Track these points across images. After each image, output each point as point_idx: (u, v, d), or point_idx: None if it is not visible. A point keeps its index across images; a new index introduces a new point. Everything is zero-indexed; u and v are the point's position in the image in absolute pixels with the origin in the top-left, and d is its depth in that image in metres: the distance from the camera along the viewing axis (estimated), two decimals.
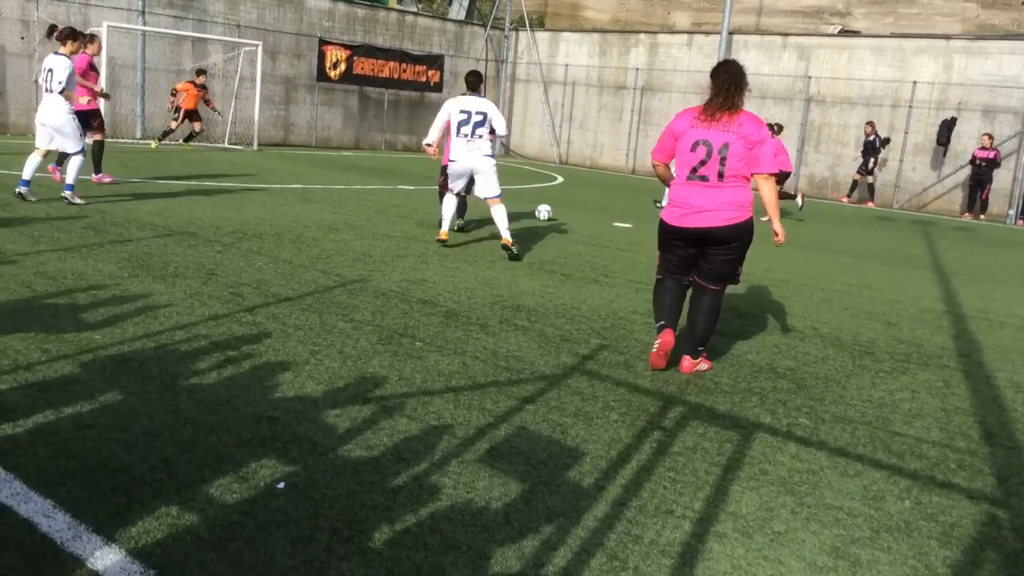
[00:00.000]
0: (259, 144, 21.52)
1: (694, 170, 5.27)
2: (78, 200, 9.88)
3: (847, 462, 4.16)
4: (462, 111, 8.92)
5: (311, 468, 3.52)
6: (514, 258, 8.94)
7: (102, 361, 4.60)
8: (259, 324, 5.62)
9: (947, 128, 20.76)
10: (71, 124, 9.85)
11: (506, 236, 9.10)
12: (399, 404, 4.38)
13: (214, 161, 17.16)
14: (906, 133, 21.56)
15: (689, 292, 5.65)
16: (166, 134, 19.03)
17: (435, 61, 26.85)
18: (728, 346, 6.19)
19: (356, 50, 24.56)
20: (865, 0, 25.38)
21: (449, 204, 9.36)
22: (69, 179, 9.87)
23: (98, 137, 11.89)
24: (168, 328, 5.33)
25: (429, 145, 9.18)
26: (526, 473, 3.68)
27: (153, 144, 18.85)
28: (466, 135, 8.90)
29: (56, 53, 10.02)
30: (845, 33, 23.64)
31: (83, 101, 11.05)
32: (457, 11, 29.71)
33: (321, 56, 23.77)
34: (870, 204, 21.70)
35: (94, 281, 6.35)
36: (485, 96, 9.40)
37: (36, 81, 10.35)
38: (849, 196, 22.04)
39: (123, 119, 20.14)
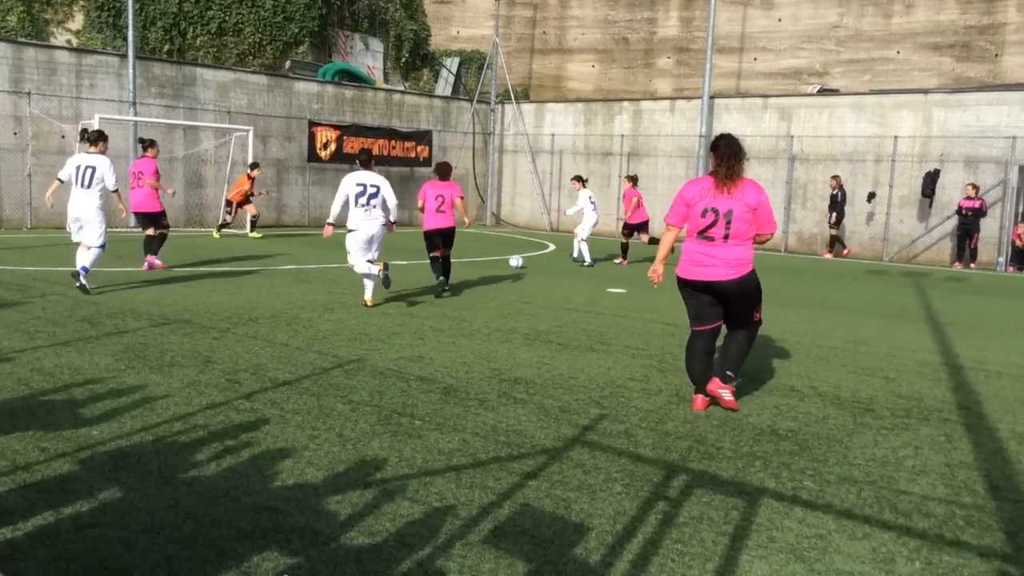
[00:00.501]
0: (251, 228, 21.66)
1: (702, 232, 6.06)
2: (87, 284, 10.22)
3: (854, 524, 4.13)
4: (358, 184, 10.02)
5: (314, 559, 3.48)
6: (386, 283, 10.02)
7: (100, 457, 4.57)
8: (257, 411, 5.60)
9: (931, 180, 21.01)
10: (98, 217, 10.52)
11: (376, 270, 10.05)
12: (400, 486, 4.35)
13: (208, 246, 17.27)
14: (891, 187, 21.82)
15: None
16: (223, 226, 19.69)
17: (423, 137, 27.24)
18: (728, 409, 6.18)
19: (346, 130, 24.92)
20: (842, 59, 25.91)
21: (364, 279, 10.27)
22: (88, 264, 10.41)
23: (164, 231, 13.16)
24: (166, 420, 5.32)
25: (331, 224, 10.19)
26: (532, 552, 3.65)
27: (216, 234, 19.36)
28: (363, 205, 9.94)
29: (89, 152, 10.78)
30: (824, 92, 24.08)
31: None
32: (443, 87, 30.26)
33: (311, 137, 24.11)
34: (845, 252, 22.08)
35: (91, 375, 6.34)
36: (373, 172, 10.47)
37: (60, 179, 10.99)
38: (831, 251, 22.28)
39: (117, 208, 20.27)
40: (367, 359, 7.30)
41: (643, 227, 18.01)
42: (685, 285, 6.27)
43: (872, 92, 23.01)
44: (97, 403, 5.61)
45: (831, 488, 4.63)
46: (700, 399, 6.21)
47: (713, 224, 5.99)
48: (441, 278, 11.41)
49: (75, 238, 10.74)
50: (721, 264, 5.99)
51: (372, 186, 10.03)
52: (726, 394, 6.12)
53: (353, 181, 10.06)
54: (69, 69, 19.88)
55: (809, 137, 23.12)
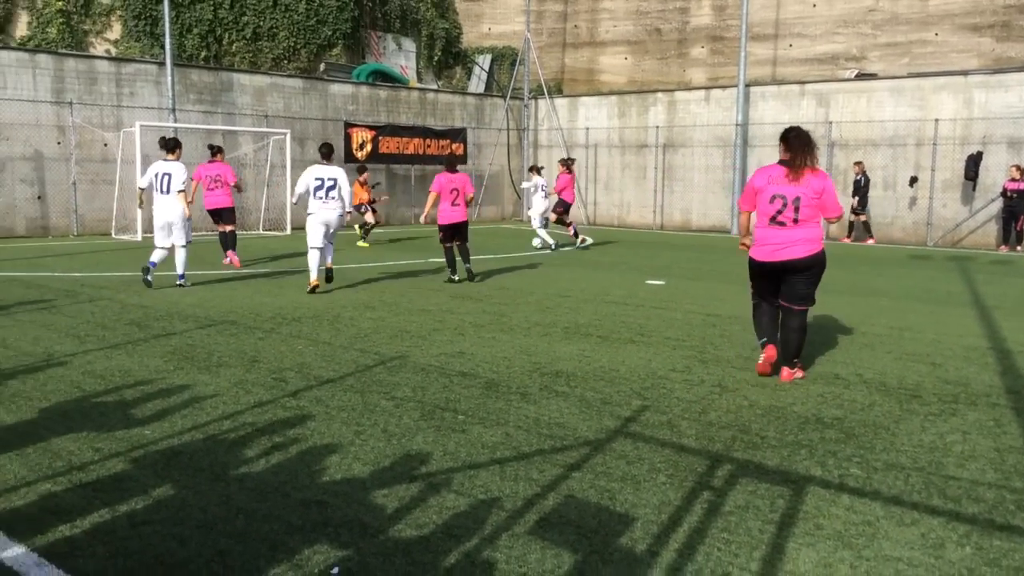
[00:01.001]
0: (292, 228, 21.92)
1: (773, 218, 6.62)
2: (186, 284, 11.41)
3: (903, 511, 4.10)
4: (317, 178, 11.12)
5: (363, 551, 3.54)
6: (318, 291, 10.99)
7: (153, 456, 4.68)
8: (303, 408, 5.69)
9: (973, 163, 20.66)
10: (183, 220, 11.37)
11: (328, 262, 11.40)
12: (446, 480, 4.39)
13: (250, 248, 17.49)
14: (933, 170, 21.49)
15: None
16: (369, 230, 19.23)
17: (458, 134, 27.33)
18: (772, 398, 6.15)
19: (381, 130, 25.09)
20: (879, 43, 25.55)
21: (312, 257, 11.27)
22: (180, 270, 11.41)
23: (232, 228, 14.58)
24: (215, 418, 5.42)
25: (295, 203, 11.82)
26: (577, 543, 3.67)
27: (362, 243, 18.80)
28: (321, 197, 11.07)
29: (166, 160, 11.63)
30: (862, 77, 23.76)
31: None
32: (476, 85, 30.34)
33: (347, 138, 24.31)
34: (871, 242, 21.81)
35: (141, 376, 6.47)
36: (333, 165, 11.54)
37: (141, 187, 12.34)
38: (849, 236, 22.18)
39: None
40: (409, 356, 7.37)
41: (565, 207, 18.15)
42: (760, 267, 6.81)
43: (911, 75, 22.66)
44: (148, 403, 5.73)
45: (878, 475, 4.60)
46: (772, 349, 6.81)
47: (782, 210, 6.58)
48: (467, 266, 12.41)
49: (160, 243, 11.50)
50: (797, 243, 6.59)
51: (330, 179, 11.13)
52: (799, 374, 6.83)
53: (313, 175, 11.15)
54: (109, 78, 20.23)
55: (848, 123, 22.84)
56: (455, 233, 12.36)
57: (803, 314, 6.76)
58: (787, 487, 4.39)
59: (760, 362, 6.83)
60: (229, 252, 14.37)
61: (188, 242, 11.56)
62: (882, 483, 4.48)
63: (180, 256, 11.42)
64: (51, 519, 3.82)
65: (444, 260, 12.67)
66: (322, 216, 11.11)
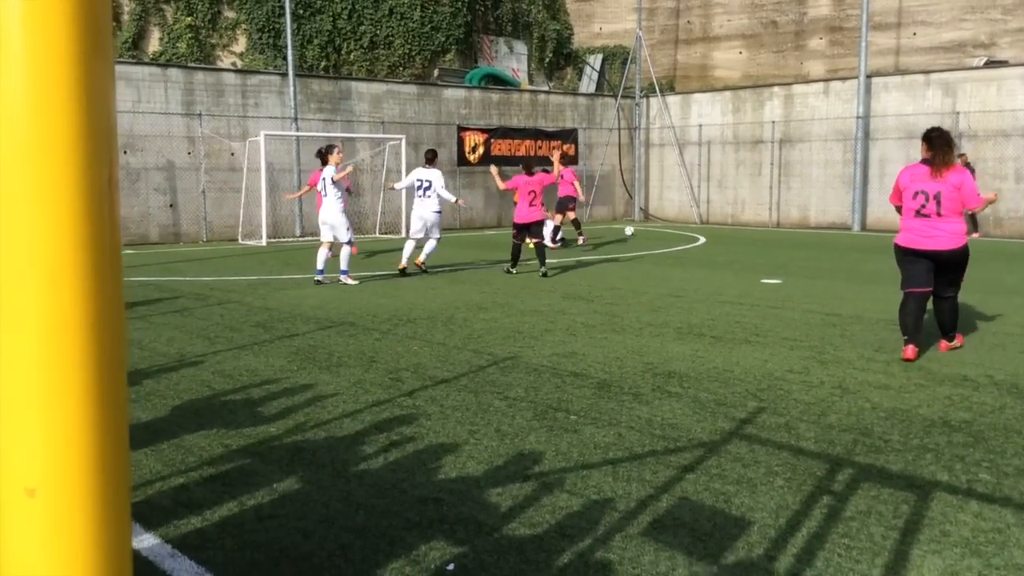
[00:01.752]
0: (407, 231, 22.38)
1: (917, 211, 7.28)
2: (351, 281, 12.32)
3: None
4: (418, 179, 13.24)
5: (478, 548, 3.61)
6: (408, 273, 13.11)
7: (278, 452, 4.88)
8: (419, 407, 5.82)
9: None
10: (343, 219, 12.43)
11: (423, 259, 13.47)
12: (558, 479, 4.43)
13: (367, 251, 17.96)
14: None
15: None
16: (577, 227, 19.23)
17: (569, 135, 27.36)
18: (896, 400, 5.95)
19: (493, 132, 25.36)
20: (1010, 28, 24.26)
21: (407, 246, 13.49)
22: (343, 265, 12.47)
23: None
24: (336, 417, 5.60)
25: (392, 188, 15.21)
26: (692, 546, 3.65)
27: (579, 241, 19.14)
28: (419, 195, 13.22)
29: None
30: (992, 64, 22.63)
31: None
32: (587, 85, 30.30)
33: (460, 142, 24.67)
34: (976, 235, 20.58)
35: (266, 376, 6.75)
36: (433, 168, 13.41)
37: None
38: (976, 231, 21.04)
39: (283, 219, 21.44)
40: (521, 356, 7.44)
41: (570, 203, 18.00)
42: (907, 253, 7.41)
43: None
44: (273, 402, 5.97)
45: (1009, 480, 4.39)
46: (911, 349, 7.26)
47: (925, 204, 7.21)
48: (542, 269, 13.41)
49: (322, 238, 12.72)
50: (943, 236, 7.17)
51: (427, 180, 13.13)
52: (957, 343, 7.67)
53: (415, 176, 13.33)
54: (235, 90, 21.12)
55: (976, 113, 21.79)
56: (528, 231, 13.59)
57: (953, 299, 7.50)
58: (912, 492, 4.24)
59: (903, 355, 7.30)
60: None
61: (350, 240, 12.55)
62: (1013, 489, 4.28)
63: (343, 254, 12.57)
64: (183, 512, 4.04)
65: (535, 256, 13.92)
66: (419, 211, 13.21)
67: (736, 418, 5.56)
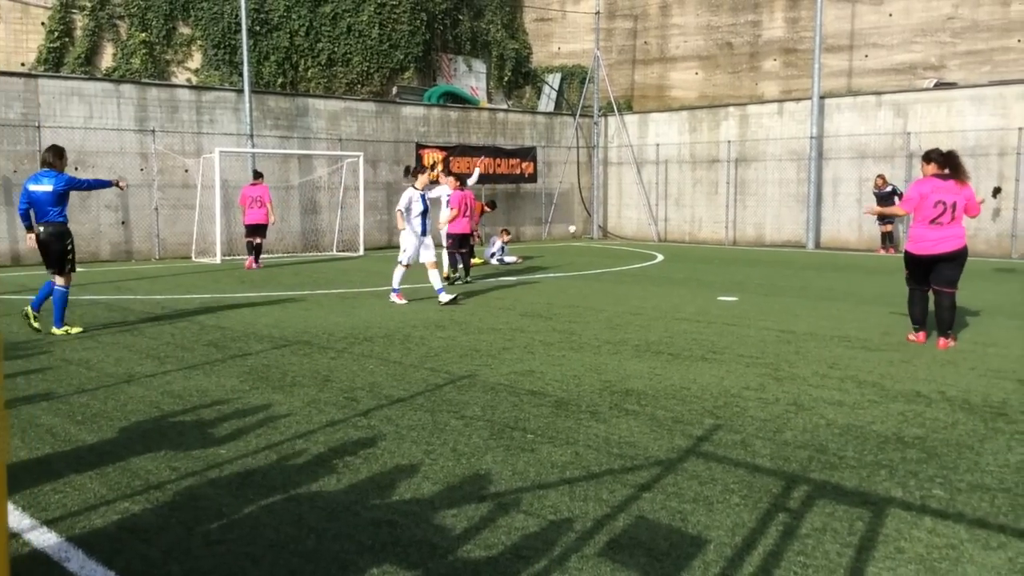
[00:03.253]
0: (365, 249, 22.25)
1: (933, 219, 8.54)
2: (401, 301, 12.18)
3: (988, 534, 3.93)
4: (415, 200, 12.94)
5: (432, 572, 3.54)
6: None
7: (228, 475, 4.76)
8: (374, 427, 5.73)
9: None
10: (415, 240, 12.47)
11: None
12: (515, 500, 4.37)
13: (324, 269, 17.80)
14: (1017, 180, 20.78)
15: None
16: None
17: (528, 153, 27.44)
18: (850, 417, 5.98)
19: (452, 150, 25.34)
20: (959, 51, 24.85)
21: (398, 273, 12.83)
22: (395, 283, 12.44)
23: (261, 240, 18.31)
24: (288, 438, 5.50)
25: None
26: (648, 566, 3.61)
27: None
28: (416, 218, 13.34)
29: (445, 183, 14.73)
30: (941, 86, 23.13)
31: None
32: (546, 104, 30.45)
33: (419, 159, 24.60)
34: (884, 252, 22.01)
35: (217, 396, 6.61)
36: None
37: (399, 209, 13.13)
38: (888, 248, 22.23)
39: (238, 236, 21.17)
40: (478, 375, 7.38)
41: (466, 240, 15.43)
42: (918, 259, 8.76)
43: (992, 83, 21.99)
44: (224, 423, 5.85)
45: (962, 496, 4.42)
46: (923, 335, 8.97)
47: (943, 213, 8.50)
48: (467, 274, 14.94)
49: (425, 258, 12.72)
50: (950, 239, 8.53)
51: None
52: (952, 343, 8.73)
53: (415, 195, 12.66)
54: (190, 106, 20.88)
55: (927, 133, 22.23)
56: (462, 242, 14.90)
57: (952, 296, 8.71)
58: (866, 509, 4.25)
59: (910, 337, 9.03)
60: (250, 259, 18.16)
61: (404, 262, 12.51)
62: (966, 505, 4.30)
63: (431, 275, 12.51)
64: (129, 538, 3.91)
65: (451, 267, 14.98)
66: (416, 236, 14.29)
67: (693, 436, 5.55)
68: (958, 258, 8.63)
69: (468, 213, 14.89)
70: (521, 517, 4.13)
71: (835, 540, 3.87)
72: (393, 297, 12.32)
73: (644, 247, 25.15)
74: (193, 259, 20.30)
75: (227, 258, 20.13)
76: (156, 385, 7.00)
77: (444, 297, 12.08)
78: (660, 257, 21.33)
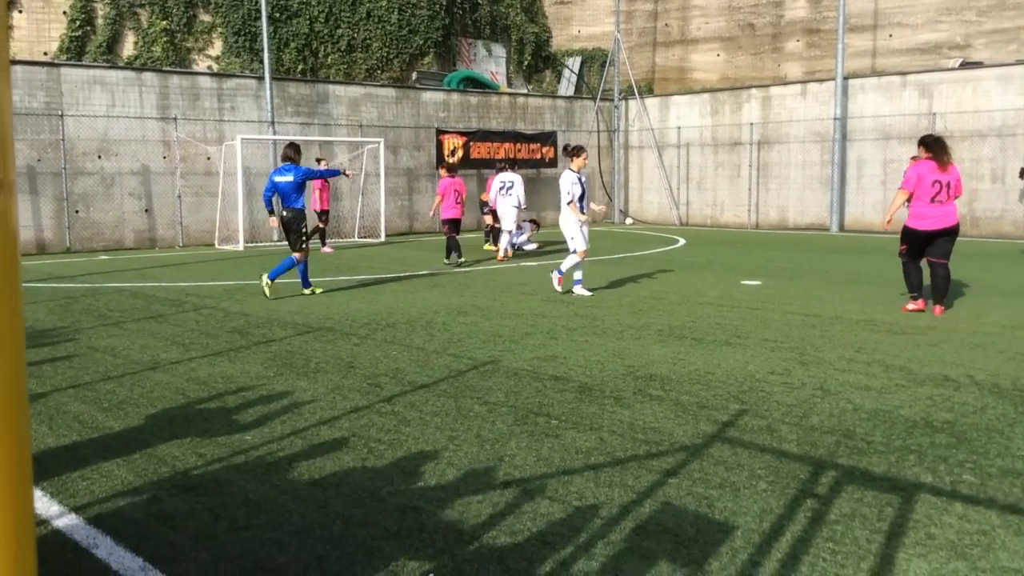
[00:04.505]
0: (386, 235, 22.28)
1: (933, 198, 9.40)
2: (585, 292, 11.34)
3: (1021, 519, 3.88)
4: (501, 181, 16.77)
5: (458, 558, 3.53)
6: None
7: (254, 461, 4.78)
8: (398, 413, 5.74)
9: None
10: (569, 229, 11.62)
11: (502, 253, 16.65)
12: (540, 486, 4.36)
13: (346, 256, 17.84)
14: None
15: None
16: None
17: (548, 138, 27.33)
18: (878, 401, 5.92)
19: (472, 136, 25.28)
20: (985, 30, 24.46)
21: (503, 239, 16.87)
22: (572, 273, 11.56)
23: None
24: (313, 424, 5.51)
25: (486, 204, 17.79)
26: (675, 552, 3.59)
27: (489, 247, 18.65)
28: (502, 194, 16.69)
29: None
30: (967, 65, 22.80)
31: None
32: (566, 88, 30.28)
33: (439, 145, 24.57)
34: None
35: (242, 383, 6.64)
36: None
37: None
38: None
39: (260, 224, 21.26)
40: (501, 360, 7.37)
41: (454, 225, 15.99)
42: (921, 234, 9.54)
43: (1020, 62, 21.63)
44: (249, 409, 5.87)
45: (993, 481, 4.37)
46: (922, 301, 9.77)
47: (939, 192, 9.37)
48: (453, 255, 15.44)
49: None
50: (950, 215, 9.43)
51: (508, 182, 16.72)
52: (942, 312, 9.57)
53: (499, 178, 16.75)
54: (211, 94, 20.93)
55: (952, 113, 21.94)
56: (454, 226, 15.61)
57: (947, 266, 9.56)
58: (895, 495, 4.20)
59: (909, 307, 9.80)
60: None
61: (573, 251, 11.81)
62: (997, 490, 4.25)
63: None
64: (156, 524, 3.93)
65: (448, 249, 15.69)
66: (501, 209, 16.67)
67: (718, 421, 5.51)
68: (954, 232, 9.49)
69: (459, 200, 15.73)
70: (546, 503, 4.12)
71: (864, 526, 3.83)
72: (578, 289, 11.31)
73: (665, 231, 25.02)
74: (216, 246, 20.40)
75: (250, 245, 20.21)
76: (181, 372, 7.04)
77: (581, 291, 11.31)
78: (682, 241, 21.21)
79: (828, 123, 24.02)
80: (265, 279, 11.21)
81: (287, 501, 4.18)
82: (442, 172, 16.26)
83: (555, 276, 11.64)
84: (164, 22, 22.27)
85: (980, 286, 11.96)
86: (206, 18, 23.02)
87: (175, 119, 20.27)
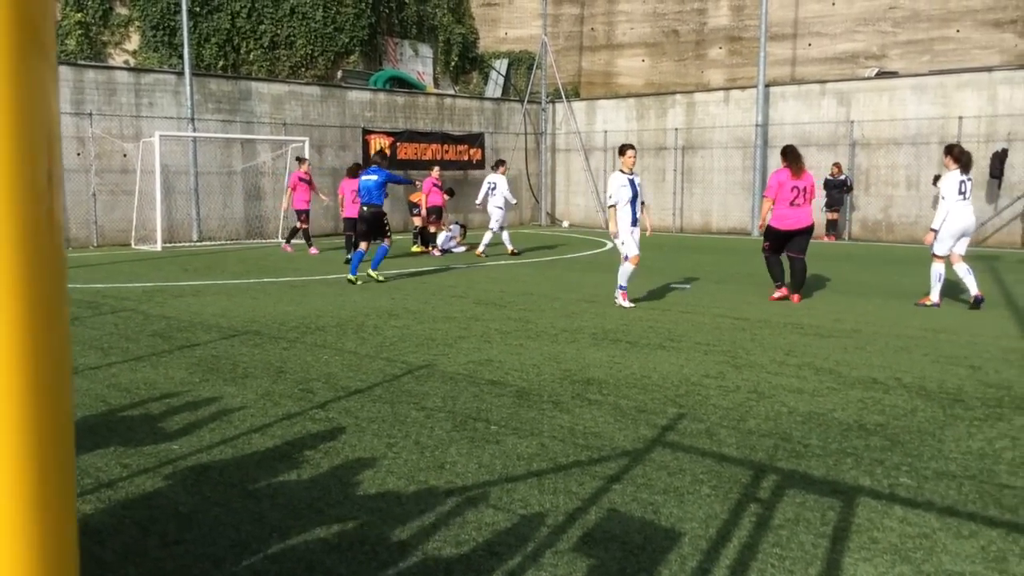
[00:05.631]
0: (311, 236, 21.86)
1: (792, 201, 10.76)
2: (626, 303, 10.57)
3: (959, 522, 3.94)
4: (488, 182, 17.28)
5: (403, 571, 3.42)
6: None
7: (183, 472, 4.58)
8: (332, 420, 5.58)
9: (999, 160, 20.38)
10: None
11: (510, 247, 17.29)
12: (483, 494, 4.27)
13: (271, 257, 17.45)
14: None
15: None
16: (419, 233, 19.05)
17: (476, 139, 27.24)
18: (811, 404, 5.99)
19: (399, 136, 25.03)
20: (900, 41, 25.26)
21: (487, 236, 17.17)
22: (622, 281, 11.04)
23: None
24: (244, 432, 5.31)
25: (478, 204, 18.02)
26: (624, 560, 3.54)
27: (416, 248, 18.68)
28: (491, 193, 17.23)
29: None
30: (883, 75, 23.50)
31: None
32: (493, 89, 30.24)
33: (365, 145, 24.24)
34: (828, 239, 22.00)
35: (167, 389, 6.39)
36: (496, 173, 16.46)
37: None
38: (830, 235, 22.32)
39: (179, 223, 20.67)
40: (436, 364, 7.25)
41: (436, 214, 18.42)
42: (783, 233, 10.88)
43: (933, 72, 22.40)
44: (175, 417, 5.64)
45: (930, 484, 4.44)
46: (784, 290, 11.05)
47: (797, 195, 10.75)
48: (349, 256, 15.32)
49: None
50: (807, 216, 10.86)
51: (492, 183, 17.34)
52: (799, 300, 10.94)
53: (489, 178, 17.51)
54: (128, 89, 20.26)
55: (869, 122, 22.59)
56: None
57: (803, 259, 10.92)
58: (836, 498, 4.24)
59: (775, 295, 11.07)
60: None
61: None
62: (934, 493, 4.32)
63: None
64: (81, 539, 3.71)
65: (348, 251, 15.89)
66: (489, 208, 17.44)
67: (658, 425, 5.50)
68: (809, 231, 10.94)
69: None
70: (491, 512, 4.03)
71: (809, 531, 3.84)
72: (617, 297, 10.63)
73: (592, 234, 25.16)
74: (133, 246, 19.74)
75: (168, 245, 19.63)
76: (101, 378, 6.74)
77: (623, 301, 10.57)
78: (609, 244, 21.34)
79: (750, 129, 24.48)
80: (372, 273, 12.76)
81: (220, 514, 4.00)
82: (434, 171, 18.44)
83: (619, 294, 10.61)
84: (79, 15, 21.47)
85: (899, 290, 12.29)
86: (123, 11, 22.29)
87: (90, 115, 19.55)
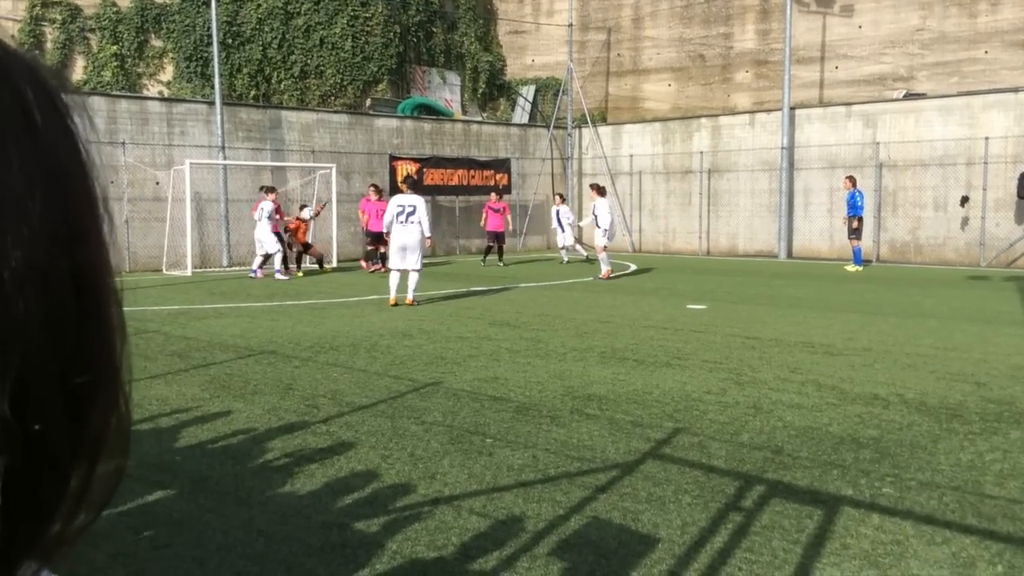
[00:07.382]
0: (339, 261, 22.19)
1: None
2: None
3: (934, 529, 3.98)
4: (398, 204, 12.89)
5: (377, 571, 3.53)
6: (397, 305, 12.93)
7: (182, 480, 4.74)
8: (332, 433, 5.72)
9: None
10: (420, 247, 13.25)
11: (411, 297, 12.90)
12: (468, 502, 4.37)
13: (297, 281, 17.73)
14: (984, 189, 21.02)
15: None
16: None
17: (502, 165, 27.49)
18: (808, 419, 6.03)
19: (425, 162, 25.34)
20: (927, 63, 25.17)
21: (392, 278, 13.05)
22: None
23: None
24: (246, 444, 5.47)
25: (386, 233, 13.40)
26: (596, 563, 3.62)
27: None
28: (401, 221, 12.73)
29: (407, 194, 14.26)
30: (910, 97, 23.42)
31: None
32: (520, 115, 30.55)
33: (392, 171, 24.57)
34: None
35: (177, 405, 6.57)
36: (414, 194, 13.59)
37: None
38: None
39: (210, 249, 21.08)
40: (442, 382, 7.38)
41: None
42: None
43: (960, 94, 22.27)
44: (181, 430, 5.81)
45: (912, 494, 4.47)
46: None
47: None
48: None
49: (396, 266, 12.99)
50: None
51: (410, 206, 12.85)
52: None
53: (395, 202, 13.02)
54: (160, 118, 20.78)
55: (896, 143, 22.49)
56: (376, 238, 16.11)
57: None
58: (816, 507, 4.28)
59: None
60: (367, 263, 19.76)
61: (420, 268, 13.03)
62: (915, 502, 4.35)
63: (413, 279, 12.87)
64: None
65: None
66: (400, 239, 12.73)
67: (651, 438, 5.58)
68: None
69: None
70: (474, 518, 4.14)
71: (783, 538, 3.90)
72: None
73: (618, 258, 25.22)
74: (164, 272, 20.16)
75: (199, 271, 20.02)
76: None
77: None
78: (633, 267, 21.42)
79: (776, 152, 24.47)
80: (405, 297, 12.75)
81: (211, 519, 4.15)
82: (493, 197, 21.11)
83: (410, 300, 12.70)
84: (114, 47, 22.12)
85: (918, 311, 12.22)
86: (157, 43, 22.92)
87: (123, 144, 20.08)
